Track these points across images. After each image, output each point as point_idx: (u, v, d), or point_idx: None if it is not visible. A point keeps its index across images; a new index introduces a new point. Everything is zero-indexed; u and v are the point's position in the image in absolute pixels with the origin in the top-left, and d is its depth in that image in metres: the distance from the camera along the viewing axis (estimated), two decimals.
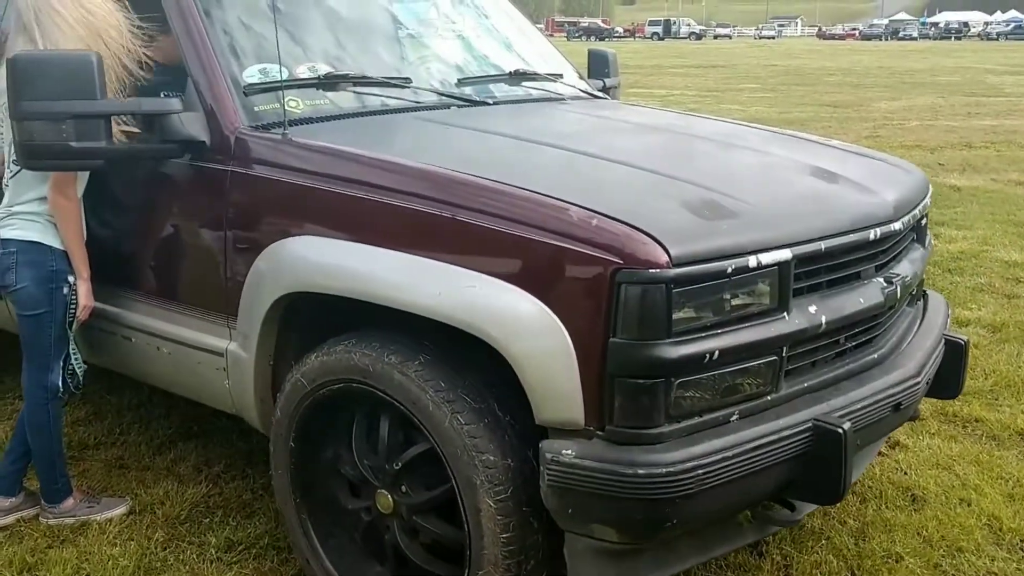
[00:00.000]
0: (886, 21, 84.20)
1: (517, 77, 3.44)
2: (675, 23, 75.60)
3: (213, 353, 2.78)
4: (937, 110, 17.19)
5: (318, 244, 2.43)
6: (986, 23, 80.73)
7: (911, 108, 17.65)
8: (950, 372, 2.86)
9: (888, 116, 16.27)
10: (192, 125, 2.69)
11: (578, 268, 2.05)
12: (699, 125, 3.30)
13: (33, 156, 2.61)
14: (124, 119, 2.81)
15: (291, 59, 2.86)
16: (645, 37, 68.10)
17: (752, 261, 2.10)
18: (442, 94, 3.08)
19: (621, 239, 2.01)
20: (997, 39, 68.69)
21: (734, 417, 2.16)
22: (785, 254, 2.16)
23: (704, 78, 27.24)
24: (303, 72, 2.88)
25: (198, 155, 2.72)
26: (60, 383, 2.98)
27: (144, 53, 2.90)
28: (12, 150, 2.90)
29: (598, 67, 4.25)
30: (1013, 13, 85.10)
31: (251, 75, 2.80)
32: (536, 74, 3.52)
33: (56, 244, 2.90)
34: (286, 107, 2.73)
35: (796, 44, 66.63)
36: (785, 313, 2.19)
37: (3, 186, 2.99)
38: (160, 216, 2.91)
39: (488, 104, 3.14)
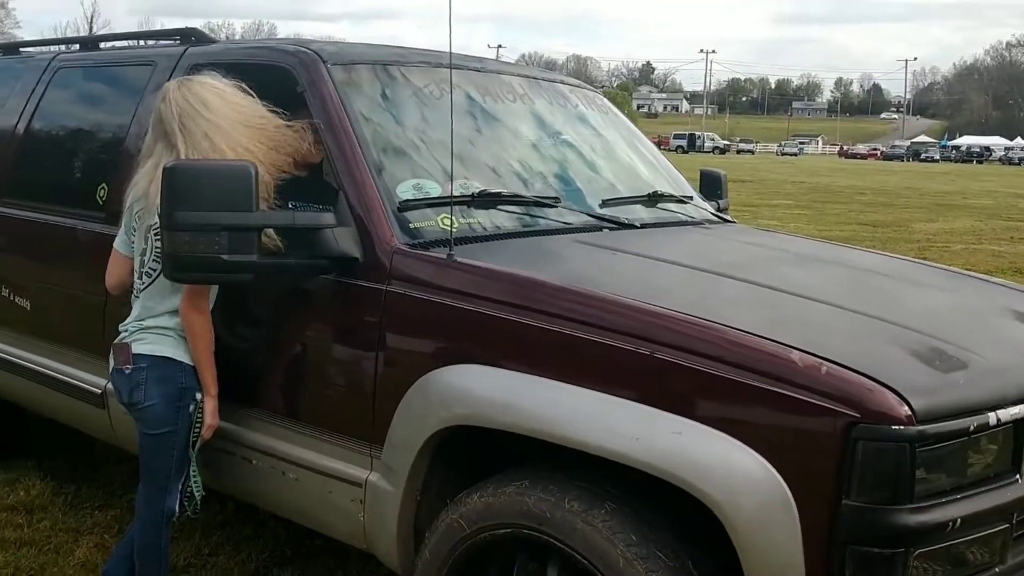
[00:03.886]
0: (908, 142, 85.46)
1: (654, 199, 3.33)
2: (699, 137, 77.03)
3: (349, 483, 2.58)
4: (980, 233, 17.11)
5: (490, 375, 2.25)
6: (1007, 148, 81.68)
7: (952, 231, 17.57)
8: None
9: (931, 238, 16.18)
10: (344, 240, 2.57)
11: (804, 420, 1.87)
12: (857, 257, 3.14)
13: (182, 268, 2.48)
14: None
15: (441, 175, 2.76)
16: (670, 149, 69.20)
17: (992, 418, 1.92)
18: (592, 216, 2.95)
19: (857, 390, 1.84)
20: (1019, 164, 69.38)
21: None
22: (1021, 409, 1.98)
23: (735, 192, 26.82)
24: (455, 189, 2.77)
25: (348, 272, 2.58)
26: (176, 506, 2.78)
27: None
28: (145, 262, 2.78)
29: (711, 187, 4.14)
30: None
31: (405, 191, 2.69)
32: (672, 196, 3.41)
33: (187, 360, 2.74)
34: (440, 225, 2.61)
35: (819, 162, 67.43)
36: (1019, 475, 1.99)
37: (132, 298, 2.85)
38: (298, 332, 2.76)
39: (636, 227, 3.02)
